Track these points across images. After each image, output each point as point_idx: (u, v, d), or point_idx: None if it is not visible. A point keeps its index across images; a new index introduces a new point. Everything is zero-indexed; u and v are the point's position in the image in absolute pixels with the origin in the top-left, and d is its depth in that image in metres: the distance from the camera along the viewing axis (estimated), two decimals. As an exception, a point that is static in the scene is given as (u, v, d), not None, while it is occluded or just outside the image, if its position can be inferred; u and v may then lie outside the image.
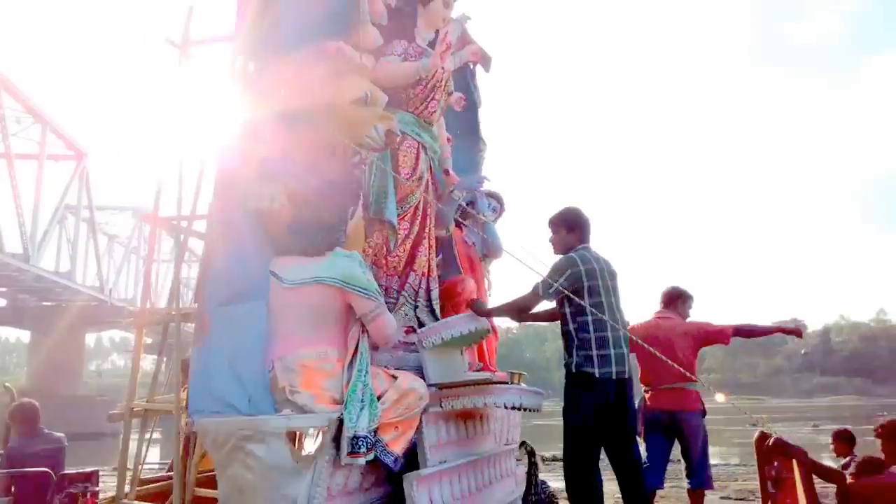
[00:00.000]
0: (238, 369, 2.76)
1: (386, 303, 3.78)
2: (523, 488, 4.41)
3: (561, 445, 3.39)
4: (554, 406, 4.11)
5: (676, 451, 4.40)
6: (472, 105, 5.36)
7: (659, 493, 4.43)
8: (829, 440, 5.18)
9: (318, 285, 2.79)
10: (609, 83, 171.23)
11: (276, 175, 2.89)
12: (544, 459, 5.51)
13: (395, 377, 2.92)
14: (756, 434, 3.74)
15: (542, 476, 5.19)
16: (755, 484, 5.58)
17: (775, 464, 3.43)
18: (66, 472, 3.91)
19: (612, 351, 3.17)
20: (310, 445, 2.75)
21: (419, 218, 3.96)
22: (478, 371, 4.13)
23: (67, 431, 4.48)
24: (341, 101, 3.08)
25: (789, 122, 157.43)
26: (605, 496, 3.34)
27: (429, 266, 4.01)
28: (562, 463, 3.39)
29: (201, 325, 2.80)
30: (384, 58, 3.82)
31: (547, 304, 3.51)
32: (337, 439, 2.58)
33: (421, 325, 3.73)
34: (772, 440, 3.36)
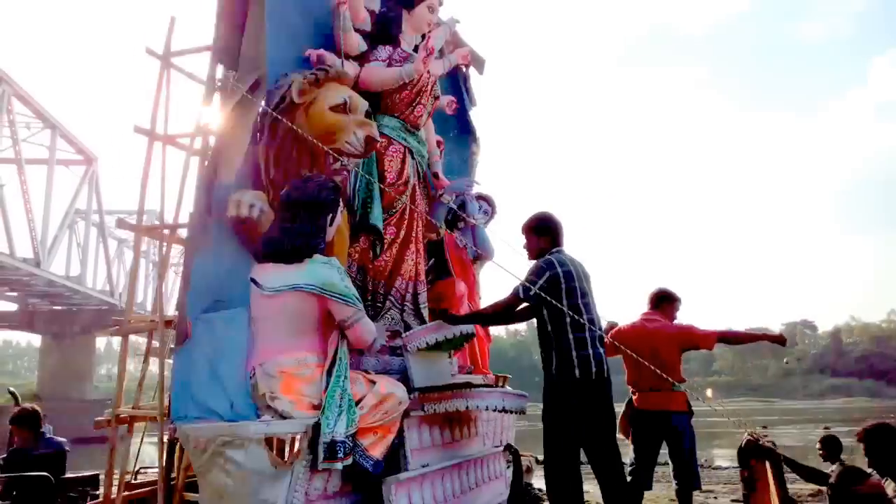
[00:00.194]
0: (219, 375, 2.79)
1: (373, 307, 3.82)
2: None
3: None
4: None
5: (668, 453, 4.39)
6: (464, 108, 5.39)
7: (647, 494, 4.41)
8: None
9: (296, 292, 2.81)
10: (609, 83, 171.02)
11: (254, 183, 2.92)
12: (538, 461, 5.50)
13: (373, 382, 2.94)
14: (744, 437, 3.75)
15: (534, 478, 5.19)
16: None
17: (752, 464, 3.43)
18: (66, 476, 3.95)
19: (591, 352, 3.18)
20: (288, 451, 2.77)
21: (406, 222, 3.97)
22: (469, 373, 4.15)
23: (78, 435, 4.53)
24: (320, 107, 3.10)
25: (794, 121, 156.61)
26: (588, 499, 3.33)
27: (416, 270, 4.02)
28: None
29: (183, 332, 2.83)
30: (368, 63, 3.85)
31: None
32: (315, 444, 2.60)
33: (408, 329, 3.75)
34: (744, 441, 3.36)
